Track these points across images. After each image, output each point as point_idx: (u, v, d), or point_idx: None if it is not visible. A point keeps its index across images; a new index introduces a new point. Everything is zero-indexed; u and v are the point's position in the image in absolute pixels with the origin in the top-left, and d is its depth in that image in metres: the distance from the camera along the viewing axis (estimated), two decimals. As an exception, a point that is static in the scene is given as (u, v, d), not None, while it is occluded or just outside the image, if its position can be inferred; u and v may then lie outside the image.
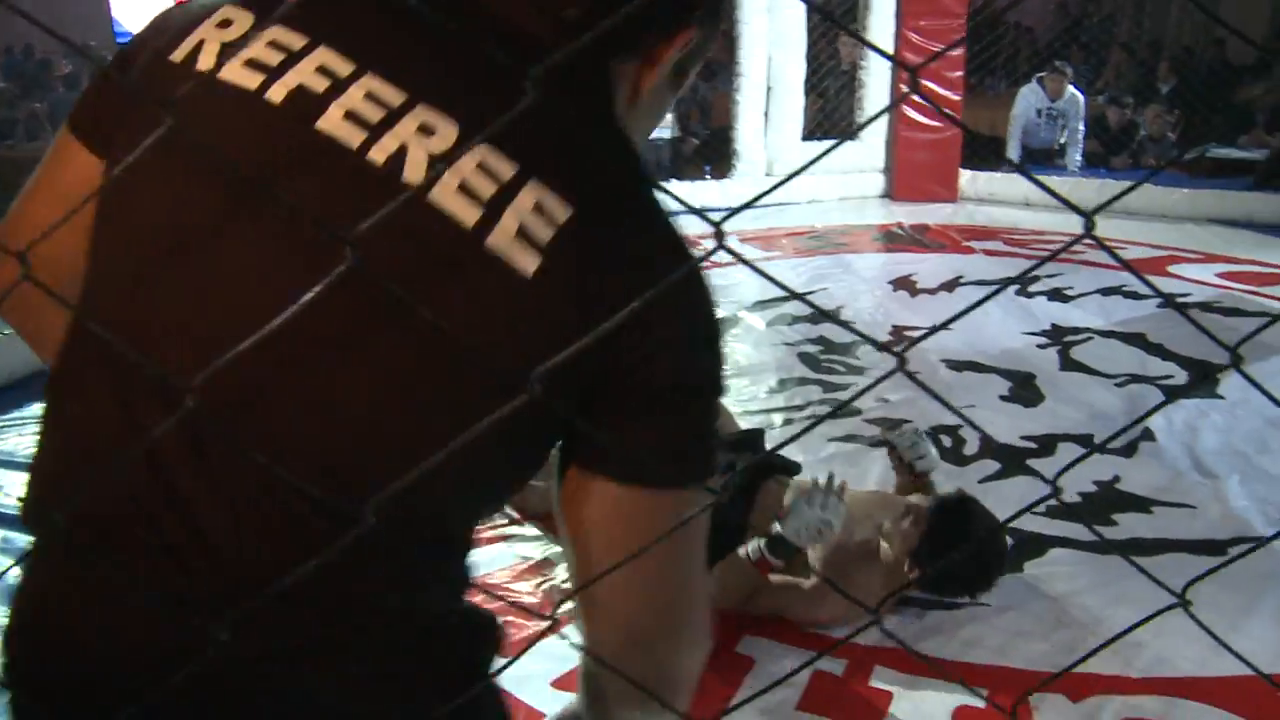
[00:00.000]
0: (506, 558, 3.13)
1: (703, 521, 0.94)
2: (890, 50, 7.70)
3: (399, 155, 0.84)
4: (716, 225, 0.74)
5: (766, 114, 7.75)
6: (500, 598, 2.85)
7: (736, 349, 4.81)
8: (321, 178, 0.85)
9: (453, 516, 0.93)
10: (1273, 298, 5.62)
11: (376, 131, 0.85)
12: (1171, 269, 6.29)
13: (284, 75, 0.87)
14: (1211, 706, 2.46)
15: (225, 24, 0.91)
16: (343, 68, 0.87)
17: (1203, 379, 4.50)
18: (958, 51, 7.95)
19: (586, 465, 0.90)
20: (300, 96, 0.86)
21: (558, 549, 3.16)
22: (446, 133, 0.85)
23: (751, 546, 2.66)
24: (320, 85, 0.87)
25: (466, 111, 0.86)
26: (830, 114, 8.28)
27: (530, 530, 3.24)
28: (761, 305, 5.36)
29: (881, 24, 7.70)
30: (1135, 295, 5.72)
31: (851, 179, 8.10)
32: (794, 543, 2.56)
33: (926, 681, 2.56)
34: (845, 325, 1.18)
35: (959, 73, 7.99)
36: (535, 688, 2.50)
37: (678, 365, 0.89)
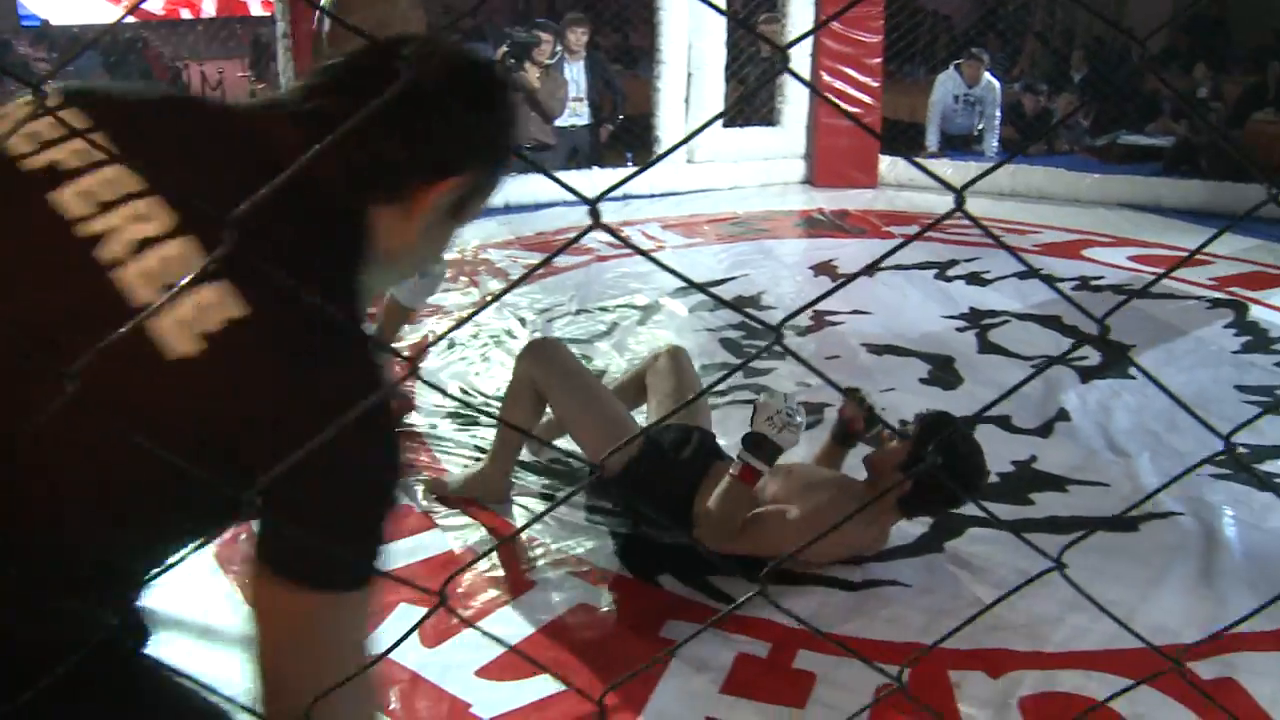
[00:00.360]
0: (431, 544, 3.10)
1: (360, 620, 1.06)
2: (811, 39, 7.76)
3: (107, 233, 0.94)
4: (590, 202, 0.73)
5: (687, 100, 7.75)
6: (407, 582, 2.83)
7: (658, 335, 4.81)
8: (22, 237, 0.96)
9: (125, 556, 1.03)
10: (1180, 280, 5.75)
11: (100, 210, 0.96)
12: (1085, 252, 6.40)
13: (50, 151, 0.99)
14: (1124, 677, 2.51)
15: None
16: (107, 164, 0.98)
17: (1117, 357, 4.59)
18: (875, 38, 8.01)
19: (255, 548, 1.00)
20: (52, 169, 0.98)
21: (481, 538, 3.14)
22: (160, 224, 0.95)
23: (732, 464, 2.74)
24: (73, 163, 0.98)
25: (192, 216, 0.96)
26: (751, 100, 8.30)
27: (459, 519, 3.22)
28: (683, 291, 5.36)
29: (801, 10, 7.73)
30: (1050, 278, 5.81)
31: (773, 165, 8.13)
32: (767, 434, 2.65)
33: (850, 662, 2.57)
34: (728, 305, 1.18)
35: (878, 59, 8.05)
36: (460, 676, 2.49)
37: (326, 480, 0.97)
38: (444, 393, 3.38)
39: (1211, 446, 3.22)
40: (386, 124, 1.05)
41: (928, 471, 2.63)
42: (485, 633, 1.05)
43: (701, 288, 0.92)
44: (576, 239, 0.82)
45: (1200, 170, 8.22)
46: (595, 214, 0.71)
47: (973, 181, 0.79)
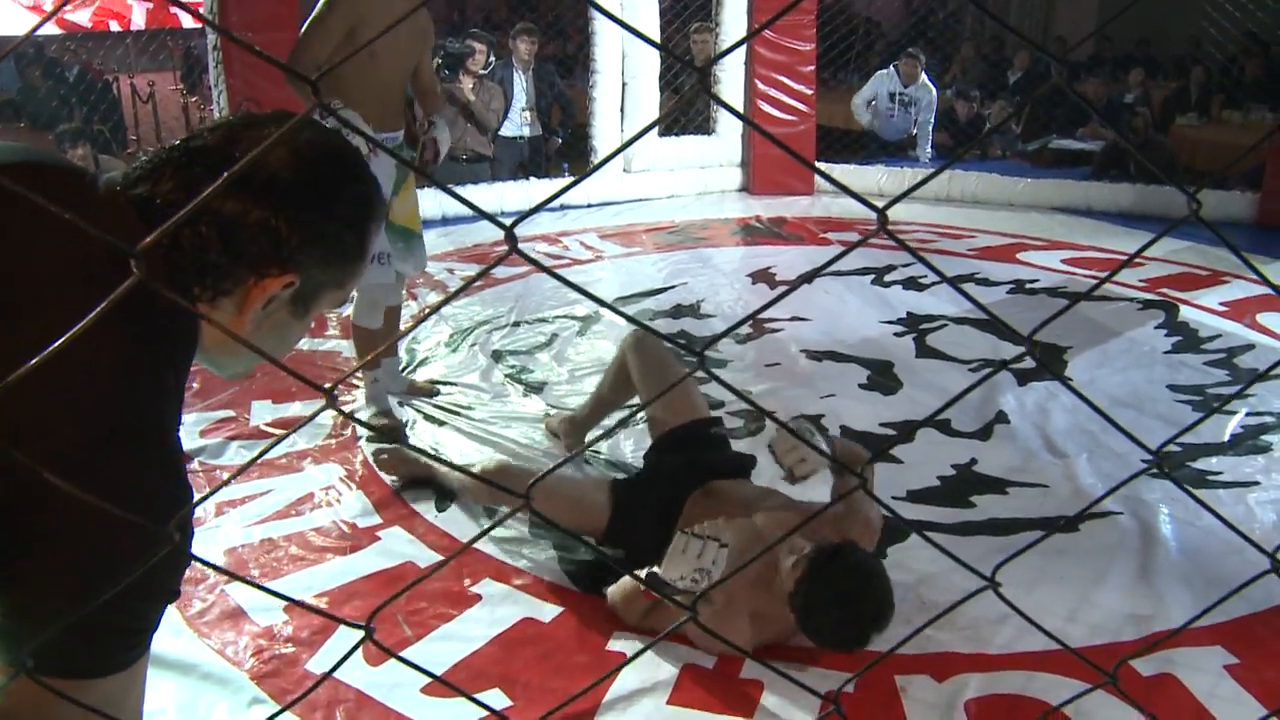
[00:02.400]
0: (374, 560, 3.06)
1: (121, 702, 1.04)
2: (745, 48, 7.80)
3: None
4: (507, 229, 0.73)
5: (623, 110, 7.75)
6: (320, 612, 2.80)
7: (598, 345, 4.79)
8: None
9: None
10: (1113, 282, 5.83)
11: None
12: (1020, 256, 6.48)
13: None
14: (1065, 677, 2.54)
15: None
16: None
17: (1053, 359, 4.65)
18: (808, 46, 8.06)
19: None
20: None
21: (425, 554, 3.10)
22: None
23: (644, 573, 2.60)
24: None
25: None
26: (686, 110, 8.32)
27: (404, 535, 3.18)
28: (622, 301, 5.36)
29: (734, 19, 7.76)
30: (986, 282, 5.88)
31: (710, 174, 8.16)
32: (671, 584, 2.53)
33: (796, 670, 2.59)
34: (630, 320, 1.18)
35: (810, 67, 8.10)
36: (405, 694, 2.46)
37: (47, 570, 0.96)
38: (362, 423, 3.39)
39: (1147, 444, 3.24)
40: (211, 218, 1.06)
41: (810, 621, 2.53)
42: (410, 664, 1.01)
43: (610, 306, 0.91)
44: (491, 267, 0.81)
45: (1129, 174, 8.37)
46: (511, 239, 0.70)
47: (894, 201, 0.79)
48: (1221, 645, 2.69)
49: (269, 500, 3.39)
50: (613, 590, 2.80)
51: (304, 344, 4.78)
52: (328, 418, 3.99)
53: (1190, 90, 9.89)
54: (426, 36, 3.96)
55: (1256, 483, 3.61)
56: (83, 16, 10.62)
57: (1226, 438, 3.95)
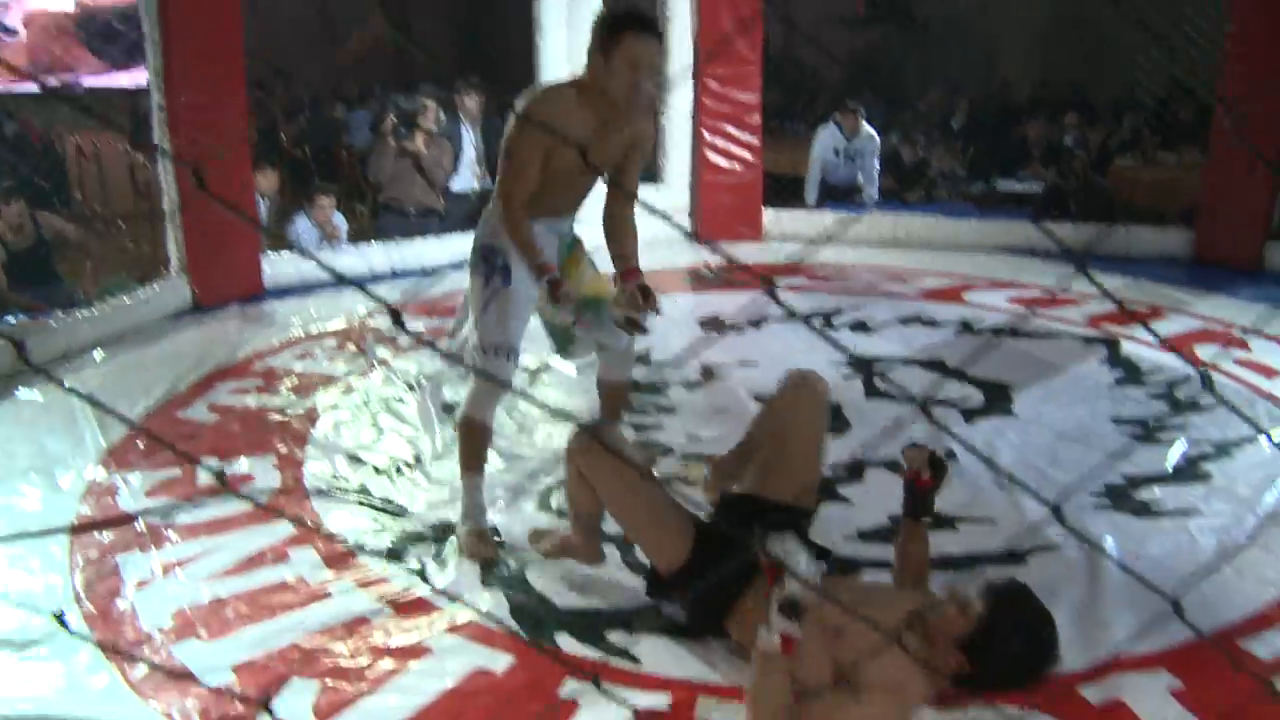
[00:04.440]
0: (324, 615, 3.03)
1: None
2: (692, 97, 7.91)
3: None
4: (390, 307, 0.76)
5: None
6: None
7: (548, 395, 4.80)
8: None
9: None
10: (1055, 319, 5.94)
11: None
12: (966, 295, 6.57)
13: None
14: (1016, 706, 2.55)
15: None
16: None
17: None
18: (753, 96, 8.17)
19: None
20: None
21: (370, 604, 3.08)
22: None
23: (762, 633, 2.36)
24: None
25: None
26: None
27: (350, 584, 3.16)
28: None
29: (678, 64, 7.86)
30: (933, 323, 5.95)
31: (656, 223, 8.19)
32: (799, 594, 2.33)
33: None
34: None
35: (757, 116, 8.21)
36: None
37: None
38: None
39: (1091, 480, 3.31)
40: None
41: (997, 659, 2.40)
42: None
43: (405, 328, 0.93)
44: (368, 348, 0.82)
45: (1070, 214, 8.54)
46: (395, 314, 0.73)
47: (782, 265, 0.81)
48: (1167, 670, 2.72)
49: (217, 558, 3.35)
50: (752, 686, 2.42)
51: (253, 400, 4.76)
52: (276, 477, 3.98)
53: (1125, 132, 10.10)
54: (635, 145, 3.49)
55: (1198, 511, 3.67)
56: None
57: (1169, 468, 4.01)
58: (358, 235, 7.64)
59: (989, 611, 2.39)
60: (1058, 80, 12.07)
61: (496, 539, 3.42)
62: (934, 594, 2.53)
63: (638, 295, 3.35)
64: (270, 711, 0.77)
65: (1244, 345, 5.50)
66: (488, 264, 3.40)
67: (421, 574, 3.27)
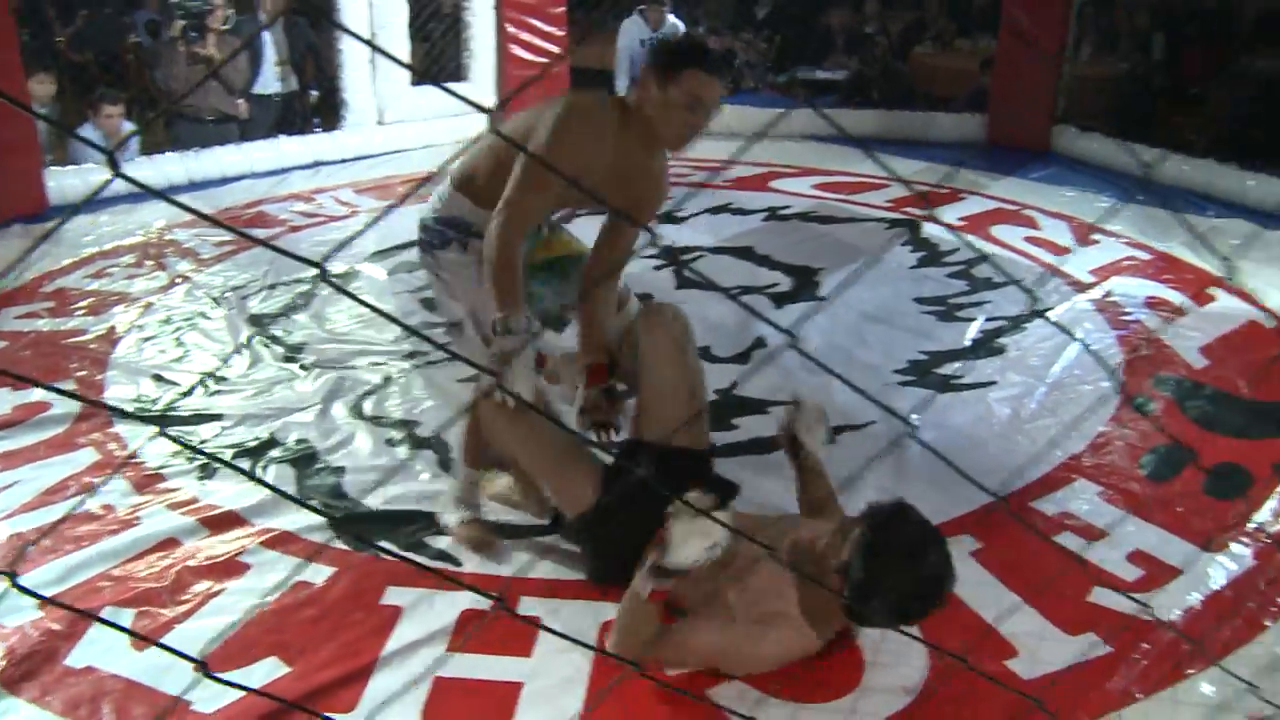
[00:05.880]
0: (134, 542, 2.92)
1: None
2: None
3: None
4: (318, 265, 0.71)
5: (373, 61, 7.55)
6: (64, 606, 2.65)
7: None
8: None
9: None
10: (859, 204, 6.09)
11: None
12: (772, 184, 6.66)
13: None
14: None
15: None
16: None
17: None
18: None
19: None
20: None
21: (183, 525, 2.98)
22: None
23: (638, 581, 2.27)
24: None
25: None
26: (438, 58, 8.17)
27: (158, 516, 3.05)
28: (381, 255, 5.26)
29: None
30: (741, 211, 6.03)
31: (465, 121, 8.03)
32: (682, 568, 2.19)
33: (571, 603, 2.64)
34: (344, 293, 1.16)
35: (561, 8, 8.07)
36: (179, 676, 2.36)
37: None
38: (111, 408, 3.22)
39: (896, 358, 3.42)
40: None
41: (865, 585, 2.15)
42: (170, 649, 0.95)
43: (334, 284, 0.89)
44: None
45: (872, 100, 8.71)
46: (323, 272, 0.68)
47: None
48: (968, 534, 2.86)
49: (15, 493, 3.18)
50: (620, 617, 2.35)
51: (45, 324, 4.51)
52: (75, 404, 3.78)
53: (927, 20, 10.31)
54: (647, 201, 2.95)
55: (994, 382, 3.85)
56: None
57: (967, 343, 4.18)
58: (151, 146, 7.25)
59: (867, 534, 2.20)
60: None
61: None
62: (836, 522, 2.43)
63: (603, 402, 2.88)
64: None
65: (1034, 224, 5.74)
66: (445, 234, 2.84)
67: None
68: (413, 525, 2.99)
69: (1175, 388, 3.82)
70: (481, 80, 8.09)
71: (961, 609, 2.60)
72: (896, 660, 2.42)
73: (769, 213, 6.02)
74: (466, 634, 2.54)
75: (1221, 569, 2.77)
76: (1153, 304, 4.57)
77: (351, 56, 7.49)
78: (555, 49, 8.04)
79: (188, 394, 3.82)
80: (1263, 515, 3.03)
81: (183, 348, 4.26)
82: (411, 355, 4.10)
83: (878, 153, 7.28)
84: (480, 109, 0.88)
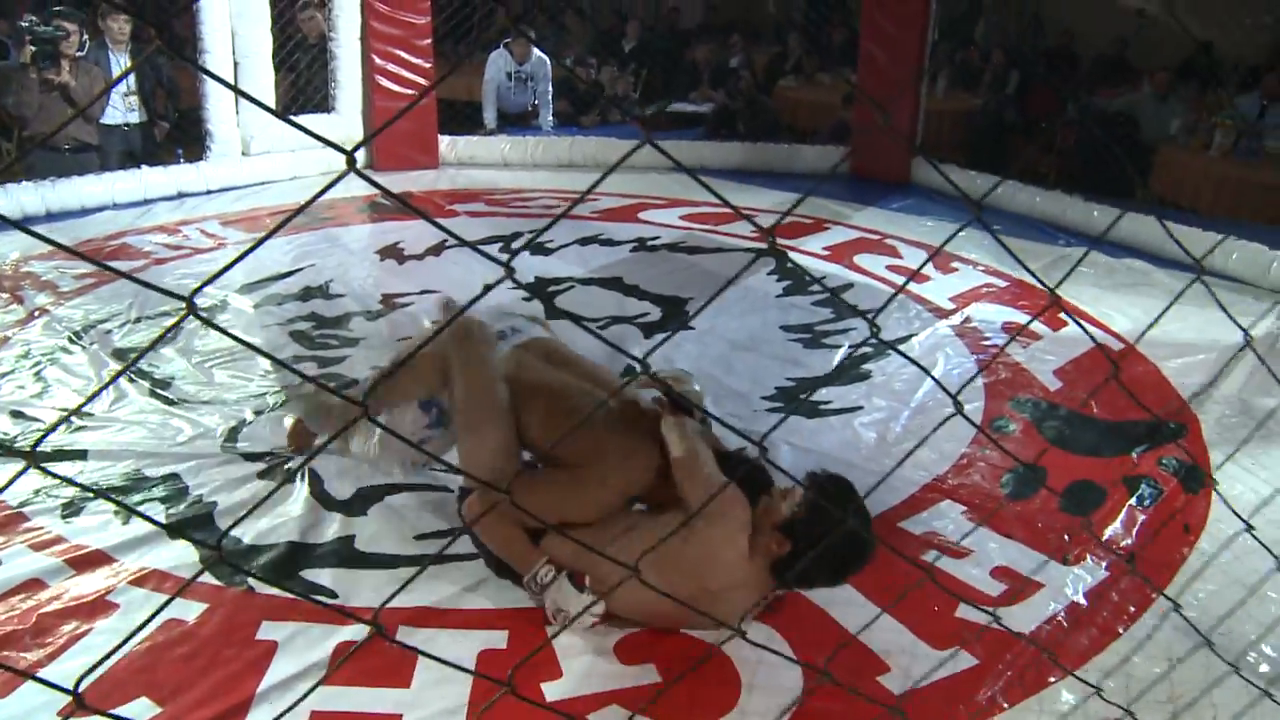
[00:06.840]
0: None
1: None
2: (359, 21, 7.68)
3: None
4: (187, 299, 0.72)
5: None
6: None
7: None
8: None
9: None
10: (725, 234, 6.21)
11: None
12: (641, 215, 6.74)
13: None
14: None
15: None
16: None
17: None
18: (423, 19, 8.00)
19: None
20: None
21: (48, 565, 2.90)
22: None
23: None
24: None
25: None
26: (304, 88, 8.08)
27: (19, 556, 2.95)
28: (249, 288, 5.18)
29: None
30: (610, 242, 6.09)
31: (332, 153, 7.93)
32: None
33: (449, 631, 2.65)
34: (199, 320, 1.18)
35: (427, 40, 8.05)
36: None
37: None
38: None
39: (764, 384, 3.51)
40: None
41: (810, 539, 2.44)
42: (43, 681, 0.95)
43: (202, 318, 0.90)
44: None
45: (738, 132, 8.90)
46: (192, 307, 0.69)
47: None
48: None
49: None
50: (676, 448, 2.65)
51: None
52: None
53: (788, 55, 10.59)
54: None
55: (860, 407, 3.97)
56: None
57: (833, 368, 4.31)
58: (3, 175, 7.00)
59: (808, 496, 2.49)
60: (727, 4, 12.49)
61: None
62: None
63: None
64: None
65: (896, 253, 5.93)
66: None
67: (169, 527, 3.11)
68: (284, 557, 2.95)
69: (1033, 409, 3.99)
70: (348, 111, 8.02)
71: (833, 627, 2.68)
72: (770, 680, 2.48)
73: (638, 243, 6.10)
74: (340, 660, 2.53)
75: (1079, 581, 2.92)
76: (1009, 329, 4.77)
77: (215, 86, 7.36)
78: (423, 80, 8.01)
79: (52, 430, 3.71)
80: (1114, 528, 3.20)
81: (43, 382, 4.13)
82: (288, 390, 4.06)
83: (743, 184, 7.47)
84: (340, 150, 0.91)
